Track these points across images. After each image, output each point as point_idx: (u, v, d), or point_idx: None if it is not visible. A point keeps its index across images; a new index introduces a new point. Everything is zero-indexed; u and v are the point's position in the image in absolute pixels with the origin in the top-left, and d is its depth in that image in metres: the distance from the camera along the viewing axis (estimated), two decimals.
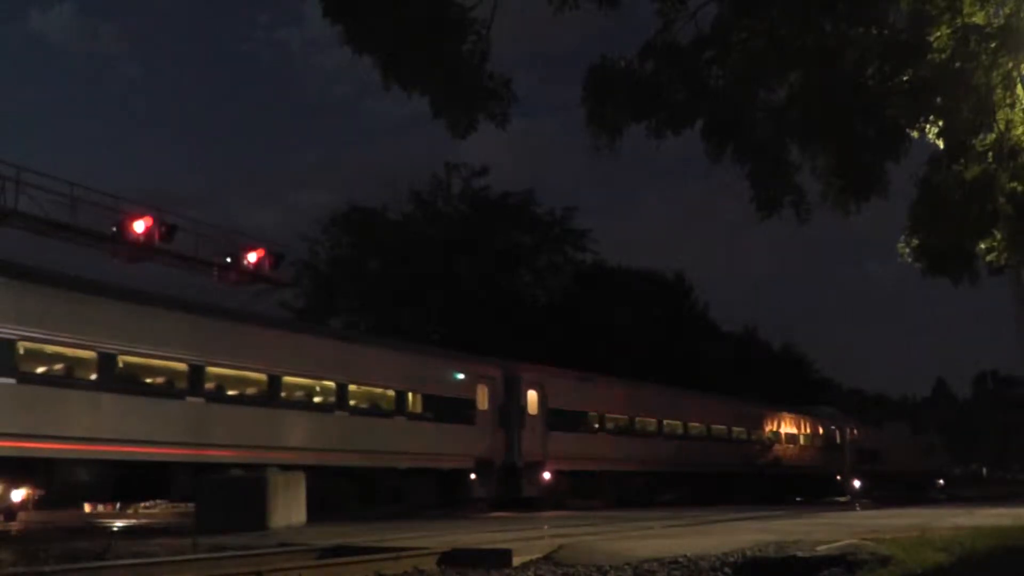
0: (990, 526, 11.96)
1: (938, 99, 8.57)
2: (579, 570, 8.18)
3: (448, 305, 44.60)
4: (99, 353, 15.98)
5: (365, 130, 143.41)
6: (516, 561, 8.64)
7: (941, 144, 9.20)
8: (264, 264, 27.88)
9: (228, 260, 27.00)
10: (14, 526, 17.18)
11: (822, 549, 8.58)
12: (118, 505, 25.49)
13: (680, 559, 8.50)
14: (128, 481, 16.97)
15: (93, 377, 16.02)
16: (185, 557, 9.46)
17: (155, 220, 24.63)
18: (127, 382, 16.65)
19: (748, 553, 8.72)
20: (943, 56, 8.30)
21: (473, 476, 23.86)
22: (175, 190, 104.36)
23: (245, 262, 27.32)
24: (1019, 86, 8.74)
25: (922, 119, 8.71)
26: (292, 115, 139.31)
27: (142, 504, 25.23)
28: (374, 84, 7.01)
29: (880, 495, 38.62)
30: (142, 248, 24.59)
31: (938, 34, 8.27)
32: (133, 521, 20.59)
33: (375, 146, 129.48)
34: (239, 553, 9.68)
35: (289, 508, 15.67)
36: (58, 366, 15.89)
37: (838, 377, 76.06)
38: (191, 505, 17.41)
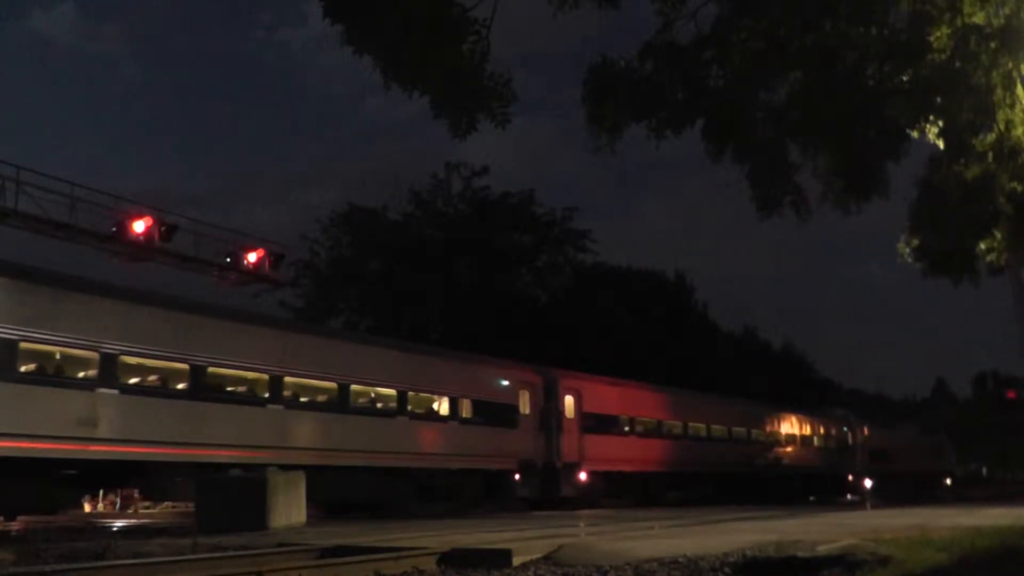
0: (990, 526, 11.96)
1: (938, 99, 8.56)
2: (579, 570, 8.17)
3: (448, 305, 44.60)
4: (191, 365, 17.57)
5: (366, 130, 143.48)
6: (516, 561, 8.63)
7: (941, 144, 9.19)
8: (264, 264, 27.91)
9: (228, 260, 27.03)
10: (14, 526, 17.17)
11: (822, 549, 8.57)
12: (118, 505, 25.67)
13: (680, 559, 8.49)
14: None
15: (185, 387, 17.61)
16: (185, 557, 9.45)
17: (155, 220, 24.67)
18: (215, 391, 18.23)
19: (748, 553, 8.71)
20: (943, 56, 8.29)
21: (517, 476, 25.21)
22: (175, 190, 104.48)
23: (245, 262, 27.35)
24: (1019, 86, 8.74)
25: (922, 119, 8.70)
26: (293, 115, 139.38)
27: (142, 504, 25.76)
28: (375, 84, 7.00)
29: (890, 495, 39.32)
30: (142, 248, 24.63)
31: (938, 34, 8.26)
32: (133, 521, 20.59)
33: (376, 146, 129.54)
34: (239, 553, 9.68)
35: (289, 508, 15.68)
36: (153, 377, 17.46)
37: (838, 377, 76.18)
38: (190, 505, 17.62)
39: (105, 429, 15.84)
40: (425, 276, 44.05)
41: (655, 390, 33.21)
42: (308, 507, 16.10)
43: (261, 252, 27.84)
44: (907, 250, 11.40)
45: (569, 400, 27.31)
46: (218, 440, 17.71)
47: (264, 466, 16.72)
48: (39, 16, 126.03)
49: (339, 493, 19.90)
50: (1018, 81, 8.68)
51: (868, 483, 44.21)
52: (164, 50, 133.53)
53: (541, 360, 29.18)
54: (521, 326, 43.11)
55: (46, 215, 22.34)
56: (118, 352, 16.32)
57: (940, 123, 8.82)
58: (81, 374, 16.23)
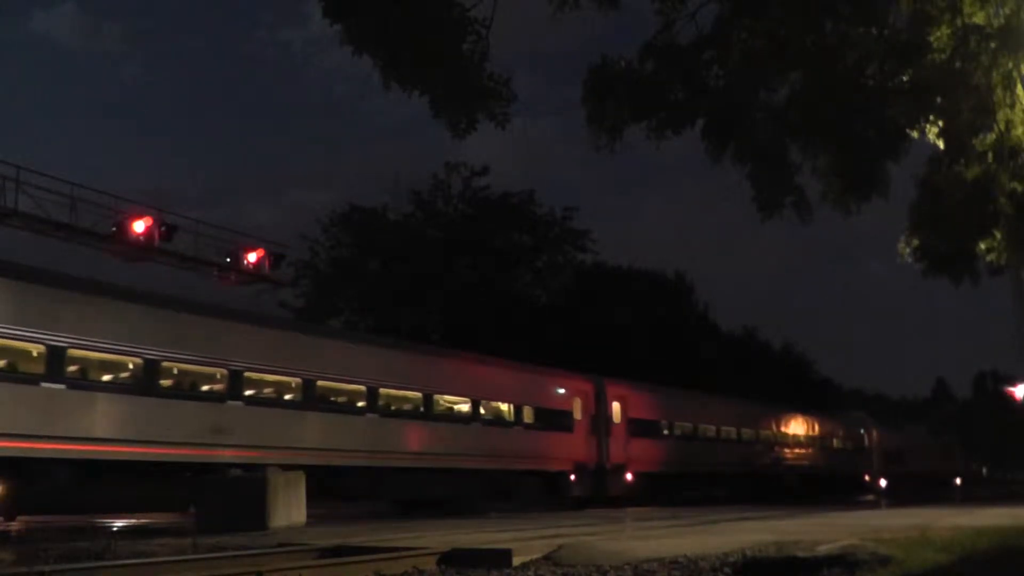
0: (990, 526, 11.96)
1: (938, 99, 8.56)
2: (579, 570, 8.17)
3: (448, 305, 44.59)
4: (302, 379, 19.67)
5: (366, 130, 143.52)
6: (516, 561, 8.63)
7: (941, 144, 9.18)
8: (264, 264, 27.88)
9: (228, 260, 27.01)
10: (14, 526, 17.18)
11: (822, 549, 8.57)
12: None
13: (680, 559, 8.49)
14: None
15: (296, 398, 19.68)
16: (185, 557, 9.46)
17: (155, 220, 24.64)
18: (322, 402, 20.28)
19: (748, 553, 8.71)
20: (943, 56, 8.29)
21: (573, 477, 27.17)
22: (176, 190, 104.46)
23: (245, 262, 27.33)
24: (1019, 86, 8.73)
25: (922, 119, 8.70)
26: (293, 115, 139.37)
27: None
28: (375, 84, 7.00)
29: (905, 494, 40.45)
30: (142, 248, 24.60)
31: (938, 34, 8.26)
32: (133, 521, 20.60)
33: (376, 146, 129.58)
34: (239, 553, 9.68)
35: (289, 508, 15.71)
36: (269, 390, 19.53)
37: (838, 377, 76.19)
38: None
39: (235, 436, 17.86)
40: (425, 276, 44.04)
41: (692, 396, 35.25)
42: (382, 504, 18.48)
43: (261, 252, 27.81)
44: (907, 250, 11.39)
45: (616, 406, 29.35)
46: (324, 445, 19.81)
47: (362, 468, 20.15)
48: (40, 16, 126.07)
49: (417, 492, 22.25)
50: (1018, 81, 8.67)
51: (883, 483, 46.34)
52: (165, 50, 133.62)
53: (542, 361, 29.41)
54: (521, 326, 43.10)
55: (46, 215, 22.32)
56: (242, 368, 18.48)
57: (940, 123, 8.82)
58: (208, 387, 18.44)
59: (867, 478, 47.28)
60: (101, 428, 15.89)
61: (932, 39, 8.27)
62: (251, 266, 27.51)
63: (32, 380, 15.19)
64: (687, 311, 56.65)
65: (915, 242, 11.33)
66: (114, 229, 24.06)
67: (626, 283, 51.59)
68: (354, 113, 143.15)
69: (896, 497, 38.37)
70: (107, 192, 24.30)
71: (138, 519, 20.79)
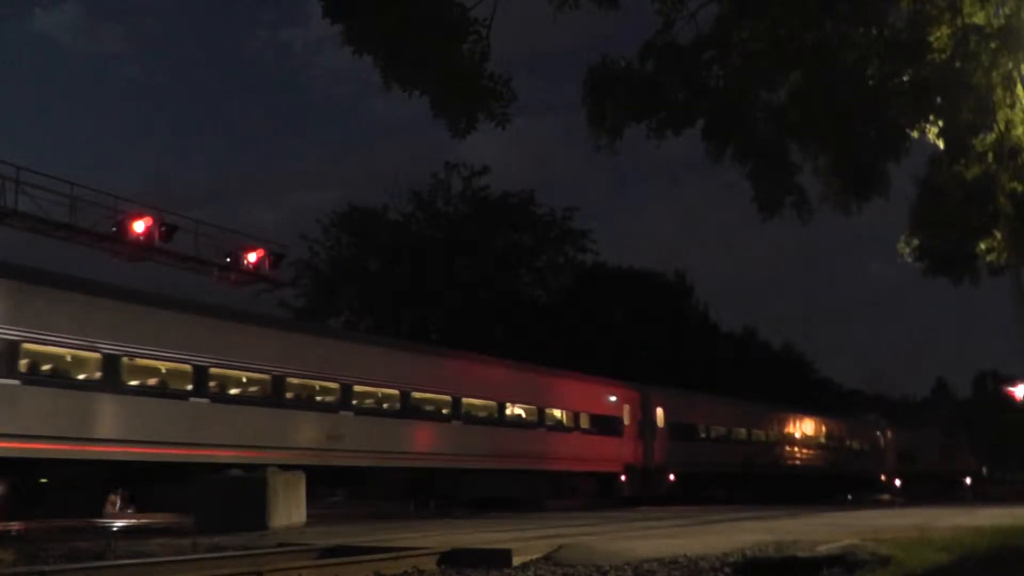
0: (990, 526, 11.96)
1: (938, 99, 8.55)
2: (579, 570, 8.17)
3: (448, 305, 44.58)
4: (400, 391, 22.43)
5: (367, 130, 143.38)
6: (516, 561, 8.63)
7: (941, 144, 9.17)
8: (264, 264, 27.88)
9: (228, 260, 27.00)
10: (14, 526, 17.17)
11: (822, 549, 8.58)
12: (117, 505, 26.00)
13: (680, 559, 8.49)
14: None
15: (395, 407, 22.33)
16: (185, 557, 9.46)
17: (155, 220, 24.63)
18: (416, 411, 22.93)
19: (748, 553, 8.71)
20: (943, 56, 8.28)
21: (623, 478, 30.04)
22: (176, 190, 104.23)
23: (245, 262, 27.31)
24: (1019, 86, 8.72)
25: (922, 119, 8.69)
26: (294, 115, 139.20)
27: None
28: (376, 84, 7.02)
29: (920, 493, 42.60)
30: (142, 248, 24.59)
31: (938, 34, 8.25)
32: (133, 521, 20.59)
33: (377, 146, 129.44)
34: (239, 553, 9.68)
35: (289, 508, 15.68)
36: (370, 401, 22.20)
37: (838, 377, 76.14)
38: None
39: (348, 443, 20.47)
40: (425, 276, 44.03)
41: (725, 402, 38.19)
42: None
43: (261, 252, 27.80)
44: (907, 250, 11.37)
45: (660, 412, 32.16)
46: (414, 449, 22.55)
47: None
48: (41, 16, 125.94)
49: (489, 491, 24.48)
50: (1018, 81, 8.66)
51: (898, 483, 49.12)
52: (166, 50, 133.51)
53: (540, 361, 29.71)
54: (521, 326, 43.10)
55: (46, 215, 22.31)
56: (352, 382, 21.21)
57: (940, 123, 8.80)
58: (323, 399, 21.09)
59: (883, 478, 49.83)
60: (237, 436, 18.49)
61: (932, 39, 8.26)
62: (251, 266, 27.50)
63: (182, 395, 17.77)
64: (687, 311, 56.64)
65: (915, 242, 11.31)
66: (114, 229, 24.04)
67: (626, 283, 51.59)
68: (354, 113, 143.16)
69: (910, 496, 40.97)
70: (107, 192, 24.32)
71: (138, 519, 20.79)
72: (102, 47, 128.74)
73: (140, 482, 18.23)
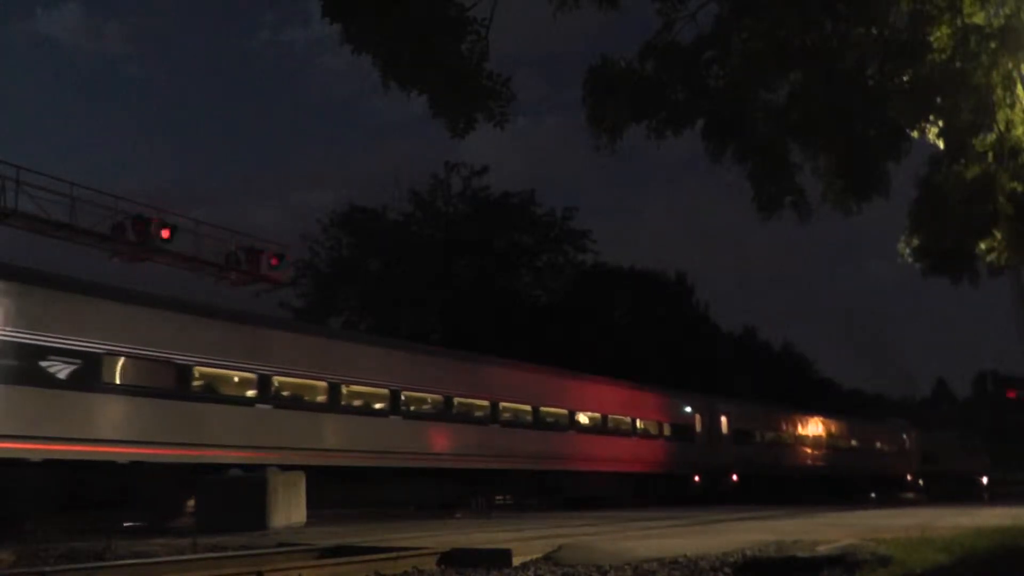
0: (990, 526, 11.96)
1: (938, 99, 8.54)
2: (579, 570, 8.16)
3: (448, 305, 44.59)
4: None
5: (368, 130, 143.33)
6: (516, 561, 8.63)
7: (941, 144, 9.15)
8: (264, 264, 27.86)
9: (228, 260, 26.98)
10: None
11: (822, 549, 8.58)
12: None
13: (680, 559, 8.48)
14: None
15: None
16: (185, 557, 9.46)
17: (155, 220, 24.60)
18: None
19: (748, 553, 8.71)
20: (943, 56, 8.27)
21: (697, 479, 33.93)
22: (176, 190, 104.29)
23: (245, 262, 27.29)
24: (1019, 86, 8.71)
25: (922, 119, 8.67)
26: (296, 115, 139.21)
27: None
28: (376, 84, 7.00)
29: (943, 492, 45.40)
30: (142, 248, 24.57)
31: (938, 34, 8.24)
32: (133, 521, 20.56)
33: (377, 146, 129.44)
34: (239, 553, 9.68)
35: (289, 508, 15.68)
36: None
37: (838, 377, 76.21)
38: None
39: (497, 450, 24.63)
40: (425, 276, 44.03)
41: (773, 409, 42.20)
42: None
43: (261, 252, 27.80)
44: (907, 250, 11.35)
45: (724, 420, 36.06)
46: (541, 454, 26.31)
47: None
48: (43, 16, 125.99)
49: (583, 491, 27.38)
50: (1018, 81, 8.65)
51: (920, 482, 52.83)
52: (168, 50, 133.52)
53: (539, 360, 29.86)
54: (521, 326, 43.09)
55: (46, 215, 22.30)
56: (498, 400, 25.58)
57: (940, 123, 8.79)
58: (479, 415, 25.08)
59: (909, 477, 53.44)
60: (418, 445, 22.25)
61: (932, 39, 8.25)
62: (251, 266, 27.49)
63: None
64: (687, 311, 56.66)
65: (915, 242, 11.29)
66: (114, 229, 24.02)
67: (626, 283, 51.60)
68: (354, 113, 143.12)
69: (933, 494, 44.59)
70: (107, 192, 24.29)
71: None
72: (104, 47, 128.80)
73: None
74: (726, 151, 8.96)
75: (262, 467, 16.53)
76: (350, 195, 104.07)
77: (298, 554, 9.67)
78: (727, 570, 8.04)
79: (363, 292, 45.97)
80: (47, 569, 8.40)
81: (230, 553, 9.74)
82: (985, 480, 62.28)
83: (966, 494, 40.03)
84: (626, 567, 8.14)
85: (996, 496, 37.63)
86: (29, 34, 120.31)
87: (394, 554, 8.88)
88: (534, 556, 8.91)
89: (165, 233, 24.61)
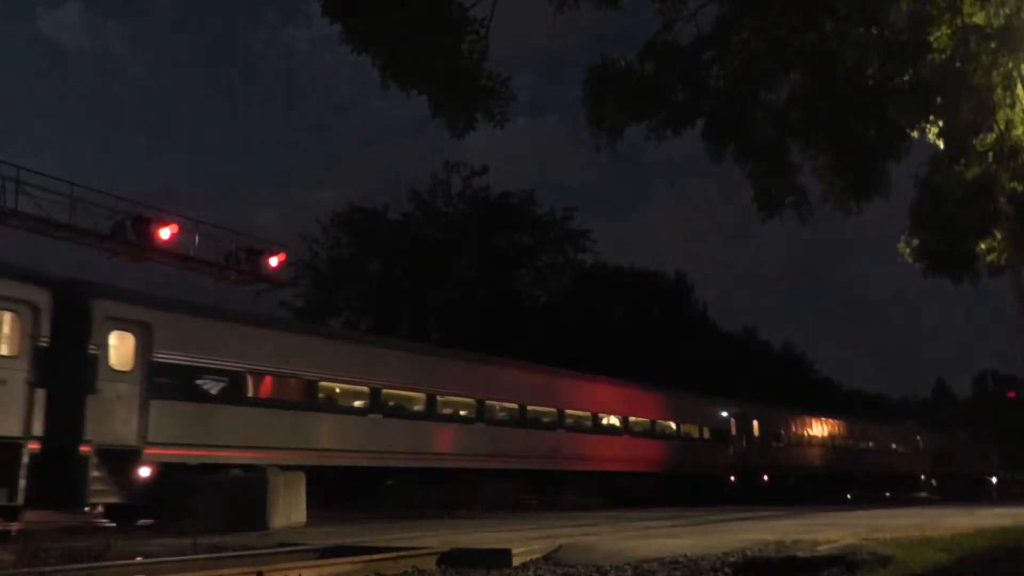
0: (990, 526, 11.95)
1: (938, 99, 8.54)
2: (579, 570, 8.16)
3: (448, 305, 44.57)
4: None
5: (368, 130, 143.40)
6: (516, 561, 8.62)
7: (941, 144, 9.16)
8: (264, 264, 27.86)
9: (228, 260, 26.98)
10: (14, 526, 17.15)
11: (822, 549, 8.57)
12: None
13: (680, 559, 8.48)
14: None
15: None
16: (185, 557, 9.45)
17: (156, 220, 24.61)
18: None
19: (748, 553, 8.70)
20: (943, 56, 8.27)
21: (732, 478, 35.89)
22: (177, 190, 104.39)
23: (245, 262, 27.30)
24: (1019, 86, 8.71)
25: (922, 119, 8.68)
26: (296, 115, 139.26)
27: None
28: (376, 84, 7.00)
29: (955, 492, 47.62)
30: (142, 248, 24.57)
31: (938, 34, 8.25)
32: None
33: (377, 146, 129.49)
34: (239, 553, 9.68)
35: (289, 508, 15.67)
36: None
37: (838, 377, 76.23)
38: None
39: (562, 453, 26.90)
40: (425, 276, 44.02)
41: (799, 413, 44.08)
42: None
43: (261, 252, 27.81)
44: (907, 250, 11.35)
45: (755, 424, 38.15)
46: (603, 458, 28.54)
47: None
48: (44, 16, 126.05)
49: (634, 491, 29.17)
50: (1018, 81, 8.65)
51: (934, 482, 54.87)
52: (169, 50, 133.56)
53: (538, 360, 29.93)
54: (521, 326, 43.08)
55: (46, 215, 22.30)
56: (563, 408, 27.72)
57: (940, 123, 8.79)
58: (546, 420, 27.22)
59: (923, 477, 55.36)
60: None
61: (932, 39, 8.25)
62: (251, 266, 27.49)
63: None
64: (687, 311, 56.66)
65: (915, 242, 11.29)
66: (114, 229, 24.02)
67: (626, 283, 51.59)
68: (354, 113, 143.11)
69: (946, 494, 46.56)
70: (107, 192, 24.31)
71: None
72: (105, 47, 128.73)
73: None
74: (726, 151, 8.96)
75: (262, 467, 16.58)
76: (350, 195, 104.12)
77: (298, 554, 9.67)
78: (727, 570, 8.03)
79: (363, 292, 45.95)
80: (47, 569, 8.39)
81: (230, 553, 9.73)
82: (995, 480, 64.25)
83: (977, 494, 42.28)
84: (626, 567, 8.13)
85: (1006, 496, 39.43)
86: (29, 34, 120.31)
87: (394, 554, 8.87)
88: (534, 556, 8.91)
89: (165, 233, 24.63)
